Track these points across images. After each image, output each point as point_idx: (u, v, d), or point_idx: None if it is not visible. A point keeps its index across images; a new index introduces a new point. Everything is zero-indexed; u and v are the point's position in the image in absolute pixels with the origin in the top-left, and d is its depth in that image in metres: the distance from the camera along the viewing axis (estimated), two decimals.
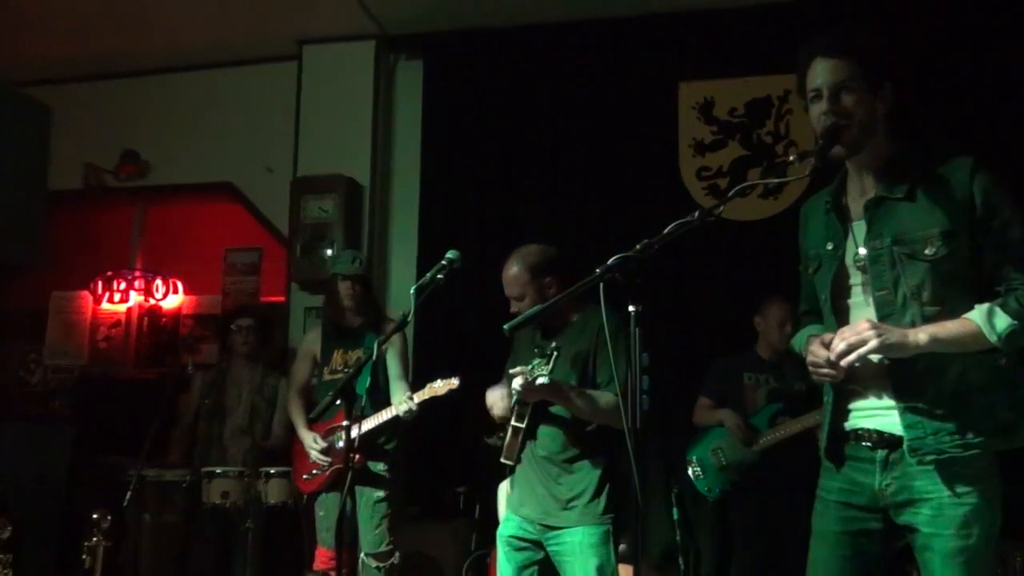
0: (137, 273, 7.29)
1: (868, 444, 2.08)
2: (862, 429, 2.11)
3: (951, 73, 4.78)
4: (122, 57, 6.17)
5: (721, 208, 2.10)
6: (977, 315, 1.99)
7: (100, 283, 7.25)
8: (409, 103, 5.83)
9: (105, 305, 7.28)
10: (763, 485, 4.13)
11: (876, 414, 2.09)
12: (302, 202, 5.58)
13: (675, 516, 4.29)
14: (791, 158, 2.13)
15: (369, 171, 5.70)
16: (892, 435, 2.05)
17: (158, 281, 7.26)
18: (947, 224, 2.02)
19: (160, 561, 4.63)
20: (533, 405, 3.01)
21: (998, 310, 1.98)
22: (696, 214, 2.06)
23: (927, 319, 2.02)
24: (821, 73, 2.10)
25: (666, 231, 2.04)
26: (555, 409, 3.00)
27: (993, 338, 1.96)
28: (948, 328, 1.99)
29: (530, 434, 3.05)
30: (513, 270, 3.11)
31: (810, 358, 2.09)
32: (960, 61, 4.79)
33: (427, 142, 5.70)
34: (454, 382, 3.60)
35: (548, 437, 3.03)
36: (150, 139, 6.27)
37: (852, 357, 1.97)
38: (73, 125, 5.88)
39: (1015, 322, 1.96)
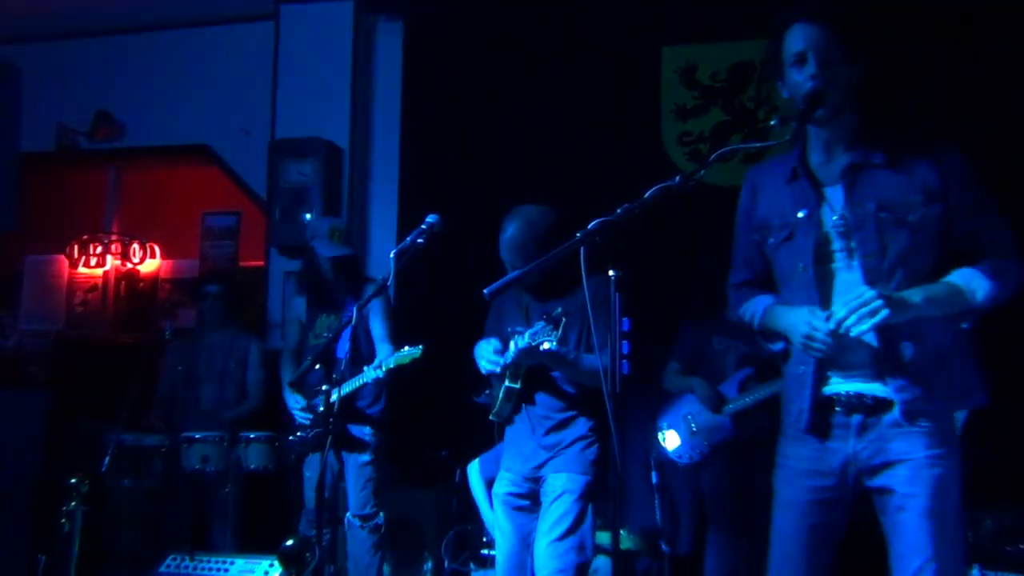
0: (114, 237, 7.22)
1: (843, 410, 2.09)
2: (838, 394, 2.11)
3: (924, 54, 4.74)
4: (95, 15, 6.04)
5: (702, 173, 2.09)
6: (959, 278, 2.04)
7: (76, 247, 7.19)
8: (389, 64, 5.75)
9: (81, 269, 7.22)
10: (735, 450, 4.17)
11: (852, 378, 2.10)
12: (281, 165, 5.51)
13: (653, 480, 4.32)
14: (772, 123, 2.13)
15: (348, 134, 5.64)
16: (875, 398, 2.07)
17: (135, 245, 7.20)
18: (926, 190, 2.05)
19: (139, 526, 4.64)
20: (529, 366, 2.99)
21: (978, 273, 2.04)
22: (677, 179, 2.06)
23: (911, 283, 2.04)
24: (804, 37, 2.09)
25: (647, 195, 2.04)
26: (553, 371, 3.01)
27: (975, 300, 2.03)
28: (935, 290, 2.03)
29: (524, 396, 3.05)
30: (515, 233, 3.01)
31: (806, 330, 2.07)
32: (932, 42, 4.76)
33: (407, 104, 5.63)
34: (416, 352, 3.56)
35: (545, 398, 3.04)
36: (124, 100, 6.18)
37: (866, 326, 1.97)
38: (45, 85, 5.77)
39: (995, 283, 2.03)
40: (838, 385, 2.12)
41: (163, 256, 7.29)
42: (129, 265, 7.20)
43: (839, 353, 2.08)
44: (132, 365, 5.00)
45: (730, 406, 4.17)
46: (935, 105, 4.56)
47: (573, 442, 2.99)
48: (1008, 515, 3.81)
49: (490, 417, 3.15)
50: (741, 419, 4.15)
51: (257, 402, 4.94)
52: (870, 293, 1.97)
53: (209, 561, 4.02)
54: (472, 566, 4.24)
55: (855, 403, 2.08)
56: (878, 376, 2.07)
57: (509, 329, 3.05)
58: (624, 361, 2.05)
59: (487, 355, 3.02)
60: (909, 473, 2.02)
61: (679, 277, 5.04)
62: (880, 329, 2.02)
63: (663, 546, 4.17)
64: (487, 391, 3.27)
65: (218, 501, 4.67)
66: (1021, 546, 3.68)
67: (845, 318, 1.98)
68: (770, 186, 2.28)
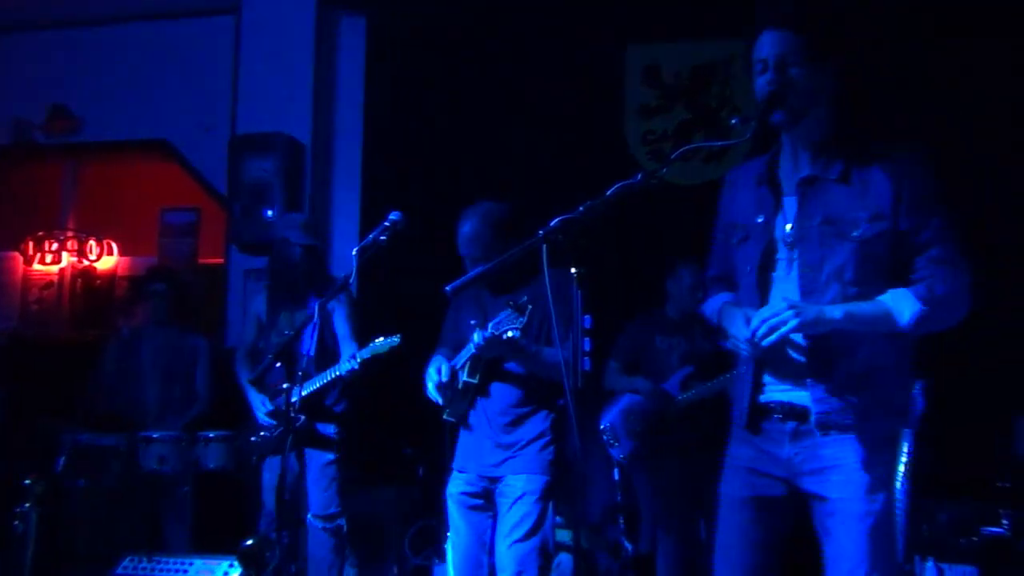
0: (70, 233, 7.11)
1: (779, 416, 2.14)
2: (774, 402, 2.16)
3: (899, 57, 4.81)
4: (53, 6, 5.93)
5: (664, 171, 2.11)
6: (889, 298, 2.05)
7: (31, 243, 7.06)
8: (352, 60, 5.73)
9: (36, 266, 7.09)
10: (684, 451, 4.18)
11: (788, 388, 2.14)
12: (241, 161, 5.45)
13: (615, 477, 4.34)
14: (733, 122, 2.14)
15: (311, 130, 5.59)
16: (802, 407, 2.11)
17: (92, 242, 7.09)
18: (876, 208, 2.06)
19: (95, 527, 4.56)
20: (487, 361, 2.98)
21: (909, 295, 2.04)
22: (639, 176, 2.06)
23: (847, 299, 2.06)
24: (768, 44, 2.10)
25: (609, 193, 2.04)
26: (510, 365, 3.01)
27: (901, 321, 2.03)
28: (862, 308, 2.05)
29: (481, 390, 3.04)
30: (473, 229, 3.03)
31: (733, 331, 2.13)
32: (908, 45, 4.83)
33: (370, 100, 5.61)
34: (395, 341, 3.57)
35: (502, 392, 3.03)
36: (82, 93, 6.07)
37: (773, 338, 2.01)
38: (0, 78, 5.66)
39: (924, 308, 2.02)
40: (773, 393, 2.17)
41: (121, 253, 7.19)
42: (86, 262, 7.09)
43: (773, 359, 2.13)
44: (89, 364, 4.93)
45: (674, 405, 4.19)
46: (904, 113, 4.63)
47: (530, 441, 2.99)
48: (961, 508, 3.89)
49: (444, 417, 3.14)
50: (685, 416, 4.17)
51: (206, 404, 4.87)
52: (782, 305, 2.02)
53: (167, 562, 3.96)
54: (435, 560, 4.24)
55: (787, 411, 2.13)
56: (804, 384, 2.11)
57: (472, 322, 3.03)
58: (585, 358, 2.06)
59: (432, 376, 3.05)
60: (841, 479, 2.06)
61: (642, 275, 5.07)
62: (811, 340, 2.07)
63: (625, 543, 4.19)
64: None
65: (175, 501, 4.61)
66: (974, 538, 3.76)
67: (757, 328, 2.03)
68: (742, 187, 2.30)
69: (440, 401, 3.07)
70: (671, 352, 4.31)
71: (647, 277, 5.02)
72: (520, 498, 2.94)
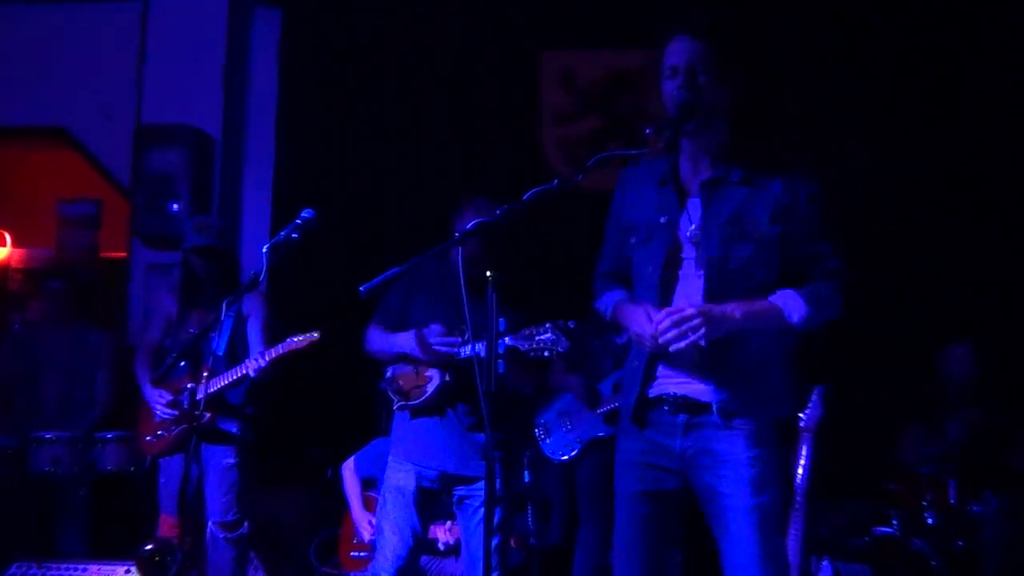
0: None
1: (668, 408, 2.19)
2: (666, 394, 2.21)
3: (800, 71, 5.00)
4: None
5: (580, 177, 2.13)
6: (781, 299, 2.16)
7: None
8: (265, 53, 5.62)
9: None
10: (607, 447, 4.28)
11: (682, 380, 2.19)
12: (146, 152, 5.27)
13: (525, 479, 4.37)
14: (647, 131, 2.19)
15: (221, 123, 5.46)
16: (696, 400, 2.17)
17: None
18: (774, 211, 2.16)
19: None
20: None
21: (798, 297, 2.16)
22: (555, 182, 2.09)
23: (747, 295, 2.16)
24: (680, 51, 2.16)
25: (524, 198, 2.06)
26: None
27: (793, 320, 2.15)
28: (758, 307, 2.15)
29: (458, 393, 3.03)
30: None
31: (634, 327, 2.17)
32: (807, 60, 5.02)
33: (284, 95, 5.53)
34: (314, 336, 3.48)
35: (476, 395, 3.02)
36: None
37: (683, 344, 2.06)
38: None
39: (811, 309, 2.15)
40: (666, 386, 2.22)
41: (15, 244, 6.93)
42: None
43: (667, 354, 2.16)
44: None
45: (603, 408, 4.29)
46: (803, 129, 4.81)
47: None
48: (854, 510, 4.06)
49: (404, 405, 3.10)
50: (613, 418, 4.27)
51: (105, 407, 4.69)
52: (691, 311, 2.07)
53: (59, 568, 3.81)
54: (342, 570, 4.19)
55: (680, 404, 2.19)
56: (702, 377, 2.17)
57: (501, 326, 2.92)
58: (499, 361, 2.08)
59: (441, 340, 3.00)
60: (731, 473, 2.13)
61: (556, 279, 5.11)
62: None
63: (532, 541, 4.24)
64: (388, 377, 3.20)
65: (70, 504, 4.43)
66: (866, 538, 3.94)
67: (666, 332, 2.07)
68: (638, 188, 2.35)
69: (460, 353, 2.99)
70: (605, 353, 4.40)
71: (564, 282, 5.07)
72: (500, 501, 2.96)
